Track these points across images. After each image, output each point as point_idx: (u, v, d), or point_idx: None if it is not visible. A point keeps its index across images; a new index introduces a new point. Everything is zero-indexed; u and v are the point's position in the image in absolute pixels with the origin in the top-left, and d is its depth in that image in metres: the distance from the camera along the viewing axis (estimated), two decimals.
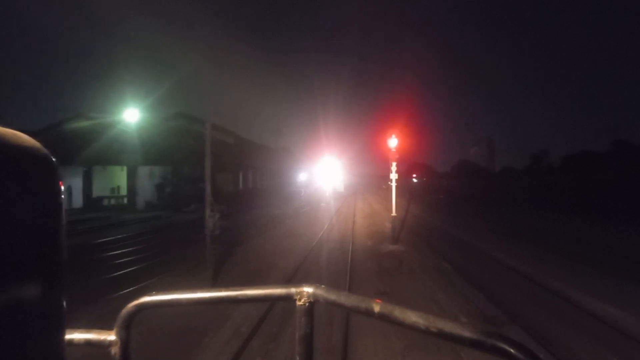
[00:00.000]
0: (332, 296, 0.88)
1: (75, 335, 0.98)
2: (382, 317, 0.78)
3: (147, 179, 29.97)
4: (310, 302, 0.91)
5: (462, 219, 19.94)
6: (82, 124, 27.31)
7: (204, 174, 8.92)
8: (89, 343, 0.98)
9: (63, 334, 0.49)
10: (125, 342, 0.98)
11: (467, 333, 0.66)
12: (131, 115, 27.64)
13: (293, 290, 0.92)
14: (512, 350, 0.61)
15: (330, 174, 40.40)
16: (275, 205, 29.25)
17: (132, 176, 28.56)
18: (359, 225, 17.58)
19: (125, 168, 28.64)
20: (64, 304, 0.49)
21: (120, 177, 30.01)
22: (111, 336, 0.98)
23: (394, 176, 11.19)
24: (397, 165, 11.22)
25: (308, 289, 0.91)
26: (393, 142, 10.96)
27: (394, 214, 11.36)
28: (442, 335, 0.69)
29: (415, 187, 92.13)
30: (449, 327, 0.69)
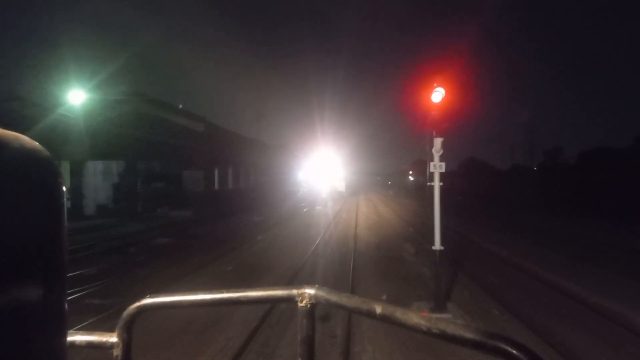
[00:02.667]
0: (334, 297, 0.88)
1: (76, 337, 0.98)
2: (384, 319, 0.78)
3: (100, 177, 24.25)
4: (311, 304, 0.90)
5: (517, 235, 14.19)
6: (14, 107, 21.60)
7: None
8: (90, 345, 0.99)
9: (65, 336, 0.49)
10: (127, 343, 0.98)
11: (469, 334, 0.66)
12: (76, 98, 22.02)
13: (294, 291, 0.91)
14: (514, 352, 0.61)
15: (329, 172, 34.50)
16: (258, 210, 23.55)
17: (77, 173, 22.85)
18: (363, 245, 11.80)
19: (67, 163, 22.91)
20: (66, 305, 0.49)
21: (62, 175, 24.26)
22: (113, 338, 0.98)
23: (437, 166, 5.37)
24: (436, 149, 5.41)
25: (309, 291, 0.90)
26: (437, 95, 5.17)
27: (437, 246, 5.58)
28: (444, 336, 0.69)
29: (419, 186, 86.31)
30: (450, 328, 0.69)
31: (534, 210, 24.89)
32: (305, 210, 24.67)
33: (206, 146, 22.39)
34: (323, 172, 31.06)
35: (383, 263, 9.15)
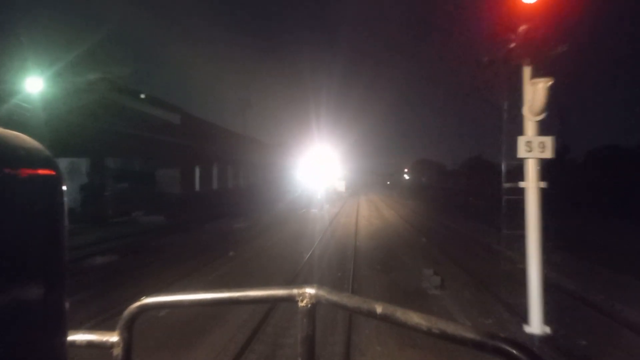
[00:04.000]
0: (335, 297, 0.88)
1: (77, 337, 0.98)
2: (385, 318, 0.77)
3: (66, 176, 21.29)
4: (312, 304, 0.90)
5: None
6: None
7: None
8: (91, 344, 0.99)
9: (65, 335, 0.49)
10: (127, 343, 0.97)
11: (469, 334, 0.66)
12: (33, 86, 19.11)
13: (295, 291, 0.91)
14: (514, 352, 0.61)
15: (327, 171, 31.57)
16: (245, 214, 20.63)
17: None
18: (365, 266, 8.86)
19: None
20: (66, 305, 0.49)
21: None
22: (113, 337, 0.97)
23: (535, 144, 2.42)
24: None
25: (310, 290, 0.90)
26: None
27: (536, 327, 2.57)
28: (444, 336, 0.69)
29: (419, 186, 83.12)
30: (451, 328, 0.69)
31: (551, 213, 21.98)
32: (299, 213, 21.74)
33: (184, 141, 19.44)
34: (320, 171, 28.12)
35: (394, 301, 6.20)
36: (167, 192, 19.40)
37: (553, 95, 2.40)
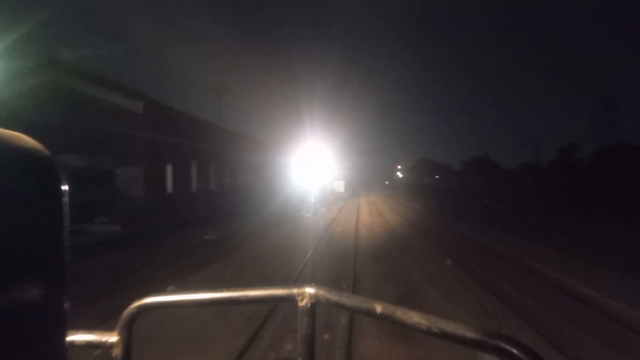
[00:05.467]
0: (334, 297, 0.88)
1: (77, 337, 0.98)
2: (384, 318, 0.77)
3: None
4: (312, 303, 0.90)
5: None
6: None
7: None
8: (90, 344, 0.99)
9: (65, 336, 0.49)
10: (127, 343, 0.97)
11: (469, 334, 0.66)
12: None
13: (295, 291, 0.92)
14: (514, 351, 0.61)
15: (322, 170, 28.30)
16: (222, 221, 17.38)
17: None
18: (372, 329, 5.54)
19: None
20: (66, 305, 0.48)
21: None
22: (113, 337, 0.97)
23: None
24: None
25: (310, 290, 0.90)
26: None
27: None
28: (444, 336, 0.69)
29: (422, 186, 79.69)
30: (451, 327, 0.69)
31: (562, 215, 18.79)
32: (288, 219, 18.49)
33: (148, 134, 16.17)
34: (315, 170, 24.85)
35: None
36: (131, 195, 16.12)
37: None
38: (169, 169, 18.56)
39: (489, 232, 13.77)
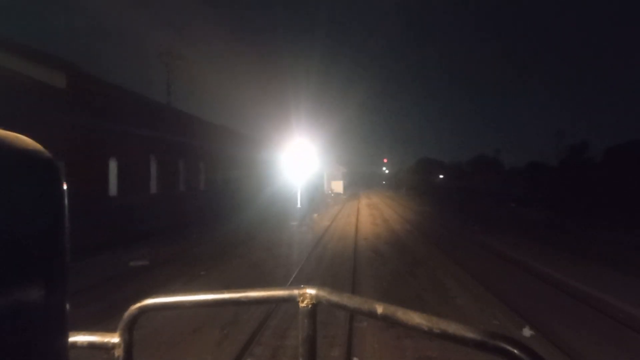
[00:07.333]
0: (335, 298, 0.87)
1: (78, 338, 0.98)
2: (385, 319, 0.77)
3: None
4: (313, 304, 0.90)
5: None
6: None
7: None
8: (92, 345, 0.98)
9: (66, 337, 0.49)
10: (128, 344, 0.97)
11: (470, 334, 0.66)
12: None
13: (296, 292, 0.91)
14: (515, 351, 0.61)
15: (312, 168, 24.14)
16: (174, 234, 13.19)
17: None
18: None
19: None
20: (67, 306, 0.49)
21: None
22: (114, 338, 0.97)
23: None
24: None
25: (311, 291, 0.90)
26: None
27: None
28: (445, 336, 0.69)
29: (428, 186, 75.18)
30: (452, 328, 0.69)
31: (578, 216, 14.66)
32: (265, 231, 14.29)
33: (77, 117, 11.95)
34: (304, 168, 20.66)
35: None
36: None
37: None
38: (113, 165, 14.33)
39: (547, 255, 9.51)
